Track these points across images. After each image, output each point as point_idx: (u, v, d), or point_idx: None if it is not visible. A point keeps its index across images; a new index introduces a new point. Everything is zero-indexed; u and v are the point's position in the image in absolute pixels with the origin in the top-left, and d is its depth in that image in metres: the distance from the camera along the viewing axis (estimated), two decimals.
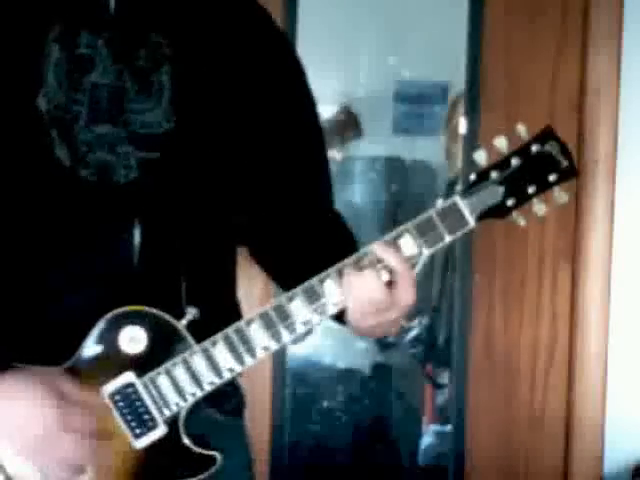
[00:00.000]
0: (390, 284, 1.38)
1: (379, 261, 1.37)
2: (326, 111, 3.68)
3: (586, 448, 2.67)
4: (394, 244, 1.39)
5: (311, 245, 1.54)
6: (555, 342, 2.70)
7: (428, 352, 3.57)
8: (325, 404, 3.60)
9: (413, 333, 3.59)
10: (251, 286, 2.40)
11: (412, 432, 3.62)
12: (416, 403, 3.70)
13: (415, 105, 3.76)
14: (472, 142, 2.68)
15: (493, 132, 2.74)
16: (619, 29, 2.62)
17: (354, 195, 3.76)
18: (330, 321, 1.45)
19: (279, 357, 2.67)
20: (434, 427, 3.59)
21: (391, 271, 1.37)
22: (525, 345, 2.70)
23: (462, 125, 2.82)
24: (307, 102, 1.57)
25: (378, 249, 1.38)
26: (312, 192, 1.57)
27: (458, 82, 2.92)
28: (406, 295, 1.39)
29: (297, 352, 3.41)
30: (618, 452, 2.66)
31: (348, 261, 1.38)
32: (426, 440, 3.55)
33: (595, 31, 2.63)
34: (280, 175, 1.54)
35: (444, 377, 3.62)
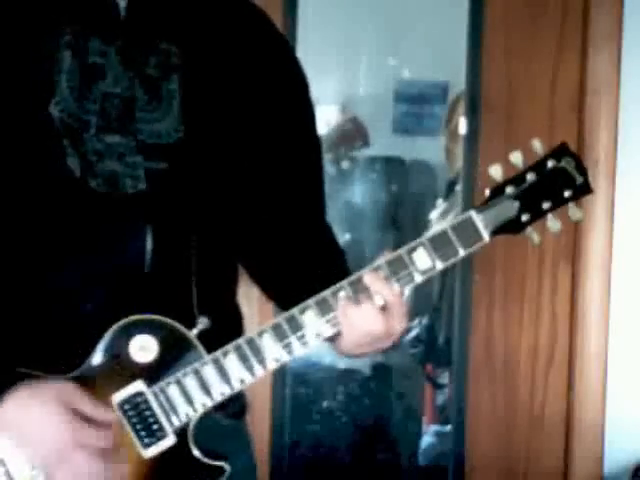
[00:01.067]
0: (383, 309, 1.38)
1: (371, 291, 1.37)
2: (327, 111, 3.69)
3: (586, 448, 2.67)
4: (378, 272, 1.38)
5: (302, 260, 1.54)
6: (555, 342, 2.70)
7: (428, 352, 3.57)
8: (325, 404, 3.60)
9: (413, 333, 3.59)
10: (251, 286, 2.39)
11: (412, 432, 3.62)
12: (416, 403, 3.70)
13: (415, 105, 3.77)
14: (472, 142, 2.68)
15: (493, 132, 2.75)
16: (619, 29, 2.62)
17: (354, 195, 3.76)
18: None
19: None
20: (434, 427, 3.59)
21: (384, 300, 1.37)
22: (525, 345, 2.71)
23: (462, 125, 2.82)
24: (308, 114, 1.57)
25: (369, 280, 1.37)
26: (307, 207, 1.57)
27: (458, 82, 2.93)
28: (399, 324, 1.39)
29: None
30: (618, 452, 2.66)
31: (345, 283, 1.38)
32: (426, 440, 3.55)
33: (595, 31, 2.63)
34: (278, 186, 1.54)
35: (444, 377, 3.62)
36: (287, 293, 1.46)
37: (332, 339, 1.42)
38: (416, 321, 3.57)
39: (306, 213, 1.57)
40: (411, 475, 3.62)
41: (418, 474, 3.58)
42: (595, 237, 2.65)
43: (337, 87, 3.75)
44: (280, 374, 2.69)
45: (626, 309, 2.66)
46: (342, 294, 1.37)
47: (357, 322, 1.37)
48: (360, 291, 1.37)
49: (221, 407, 1.44)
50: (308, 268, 1.52)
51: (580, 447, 2.68)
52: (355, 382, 3.65)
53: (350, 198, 3.74)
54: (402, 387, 3.70)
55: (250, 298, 2.28)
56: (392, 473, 3.57)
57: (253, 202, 1.52)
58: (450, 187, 3.34)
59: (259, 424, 2.63)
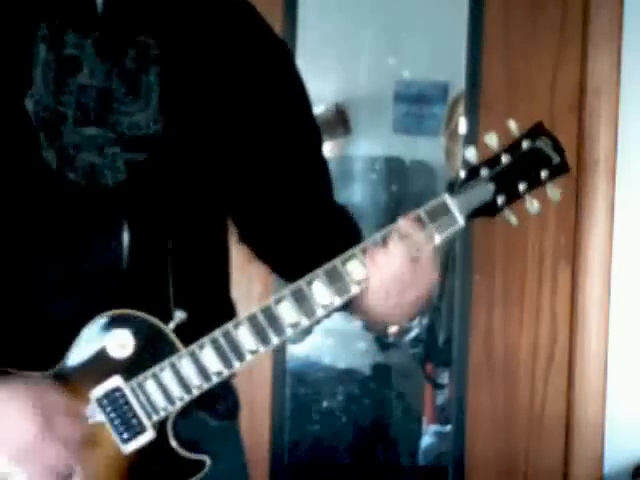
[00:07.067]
0: (413, 261, 1.36)
1: (404, 237, 1.35)
2: (320, 110, 3.68)
3: (586, 448, 2.67)
4: (420, 221, 1.36)
5: (315, 238, 1.51)
6: (555, 342, 2.70)
7: (428, 352, 3.57)
8: (325, 404, 3.60)
9: (413, 333, 3.59)
10: (251, 286, 2.40)
11: (412, 432, 3.62)
12: (416, 403, 3.70)
13: (415, 105, 3.76)
14: (472, 142, 2.68)
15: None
16: (619, 29, 2.62)
17: (354, 195, 3.75)
18: (341, 314, 1.43)
19: (279, 357, 2.67)
20: (434, 427, 3.59)
21: (416, 248, 1.35)
22: (525, 345, 2.71)
23: (462, 125, 2.82)
24: (299, 101, 1.56)
25: (403, 225, 1.36)
26: (310, 187, 1.55)
27: (458, 82, 2.92)
28: (429, 272, 1.37)
29: (297, 352, 3.40)
30: (618, 452, 2.66)
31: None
32: (426, 440, 3.55)
33: (595, 31, 2.64)
34: (276, 173, 1.53)
35: (444, 377, 3.62)
36: (294, 271, 1.43)
37: (350, 306, 1.39)
38: (416, 321, 3.57)
39: (299, 196, 1.54)
40: (411, 475, 3.62)
41: (418, 474, 3.58)
42: (595, 237, 2.65)
43: (337, 87, 3.75)
44: (280, 374, 2.69)
45: (626, 309, 2.66)
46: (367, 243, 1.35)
47: (384, 266, 1.35)
48: (388, 236, 1.36)
49: (208, 406, 1.44)
50: (313, 244, 1.50)
51: (580, 447, 2.68)
52: (355, 382, 3.65)
53: (350, 198, 3.74)
54: (402, 387, 3.70)
55: (250, 297, 2.29)
56: (392, 473, 3.57)
57: (242, 192, 1.51)
58: (450, 187, 3.33)
59: (259, 424, 2.63)
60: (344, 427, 3.59)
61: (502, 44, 2.66)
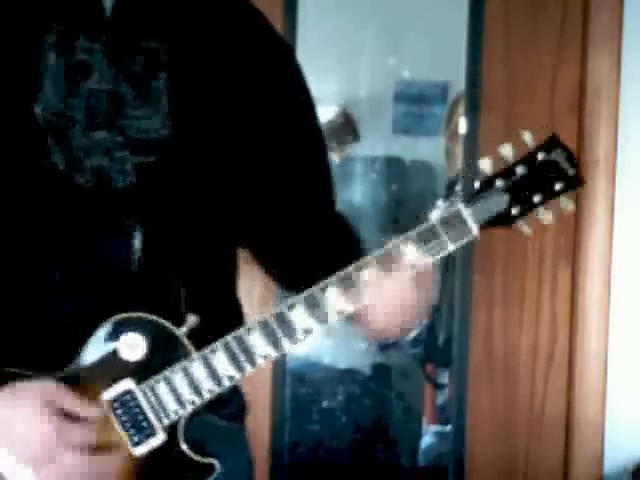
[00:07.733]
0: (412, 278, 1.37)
1: (403, 258, 1.36)
2: (325, 112, 3.68)
3: (586, 448, 2.67)
4: (413, 240, 1.38)
5: (314, 249, 1.53)
6: (555, 342, 2.70)
7: (428, 352, 3.57)
8: (325, 404, 3.60)
9: (413, 333, 3.59)
10: (251, 286, 2.40)
11: (412, 432, 3.62)
12: (416, 403, 3.70)
13: (415, 105, 3.76)
14: (472, 142, 2.68)
15: (493, 132, 2.76)
16: (619, 29, 2.63)
17: (354, 195, 3.75)
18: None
19: (279, 357, 2.66)
20: (434, 427, 3.59)
21: (414, 269, 1.37)
22: (525, 345, 2.71)
23: (462, 125, 2.82)
24: (306, 108, 1.56)
25: (402, 246, 1.37)
26: (313, 196, 1.56)
27: (458, 82, 2.92)
28: (426, 293, 1.39)
29: (297, 352, 3.41)
30: (618, 452, 2.66)
31: (365, 261, 1.37)
32: (426, 440, 3.55)
33: (595, 31, 2.64)
34: (280, 180, 1.53)
35: (444, 377, 3.62)
36: (292, 281, 1.45)
37: (354, 319, 1.41)
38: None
39: (305, 204, 1.55)
40: (411, 475, 3.62)
41: (418, 474, 3.58)
42: (595, 237, 2.65)
43: (337, 87, 3.75)
44: (280, 374, 2.69)
45: (626, 309, 2.66)
46: (366, 270, 1.36)
47: (386, 288, 1.36)
48: (387, 261, 1.37)
49: (215, 408, 1.44)
50: (312, 255, 1.51)
51: (580, 447, 2.68)
52: (355, 382, 3.65)
53: (350, 198, 3.74)
54: (402, 387, 3.70)
55: (251, 297, 2.29)
56: (392, 473, 3.58)
57: (248, 197, 1.52)
58: (450, 187, 3.34)
59: (259, 424, 2.63)
60: (344, 427, 3.59)
61: (502, 44, 2.66)
